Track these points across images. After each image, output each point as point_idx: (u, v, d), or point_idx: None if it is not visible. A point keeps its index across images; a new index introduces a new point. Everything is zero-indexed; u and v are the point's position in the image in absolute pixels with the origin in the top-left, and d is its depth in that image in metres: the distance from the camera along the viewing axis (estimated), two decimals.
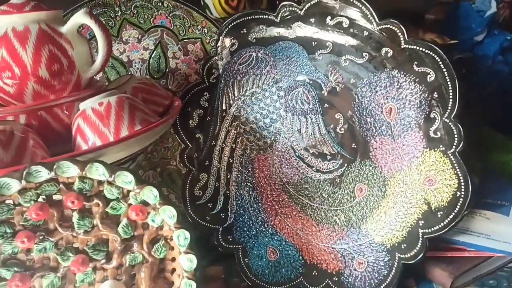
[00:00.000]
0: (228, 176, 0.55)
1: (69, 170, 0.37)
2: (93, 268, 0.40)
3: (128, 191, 0.39)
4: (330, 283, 0.47)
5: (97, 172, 0.37)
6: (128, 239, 0.40)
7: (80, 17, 0.45)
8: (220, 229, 0.54)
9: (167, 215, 0.39)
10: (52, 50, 0.44)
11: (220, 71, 0.55)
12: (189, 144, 0.55)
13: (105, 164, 0.37)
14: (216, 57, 0.54)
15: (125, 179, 0.37)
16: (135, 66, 0.63)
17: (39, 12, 0.45)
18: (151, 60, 0.62)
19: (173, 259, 0.41)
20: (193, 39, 0.61)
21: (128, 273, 0.41)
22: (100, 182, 0.39)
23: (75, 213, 0.39)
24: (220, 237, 0.53)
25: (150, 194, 0.38)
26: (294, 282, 0.49)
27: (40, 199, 0.39)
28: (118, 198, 0.39)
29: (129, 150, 0.43)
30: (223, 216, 0.54)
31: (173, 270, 0.41)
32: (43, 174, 0.37)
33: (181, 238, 0.39)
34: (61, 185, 0.38)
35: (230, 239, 0.53)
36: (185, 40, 0.61)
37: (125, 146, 0.42)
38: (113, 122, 0.42)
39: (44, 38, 0.44)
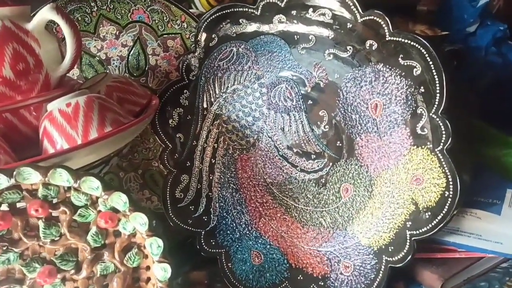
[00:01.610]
0: (211, 177, 0.53)
1: (31, 177, 0.35)
2: (62, 279, 0.38)
3: (97, 198, 0.37)
4: (316, 287, 0.45)
5: (61, 178, 0.35)
6: (98, 248, 0.38)
7: (46, 13, 0.42)
8: (203, 232, 0.51)
9: (138, 222, 0.36)
10: (17, 48, 0.41)
11: (200, 67, 0.52)
12: (169, 145, 0.53)
13: (69, 170, 0.35)
14: (196, 53, 0.52)
15: (92, 185, 0.35)
16: (114, 63, 0.60)
17: (2, 8, 0.42)
18: (130, 57, 0.60)
19: (148, 268, 0.39)
20: (173, 35, 0.58)
21: (100, 284, 0.39)
22: (67, 189, 0.37)
23: (40, 222, 0.37)
24: (202, 241, 0.51)
25: (119, 200, 0.36)
26: (279, 287, 0.47)
27: (3, 207, 0.37)
28: (87, 205, 0.37)
29: (99, 153, 0.41)
30: (205, 219, 0.52)
31: (148, 279, 0.39)
32: (2, 181, 0.35)
33: (154, 246, 0.37)
34: (24, 192, 0.36)
35: (213, 243, 0.51)
36: (164, 36, 0.59)
37: (94, 149, 0.39)
38: (81, 124, 0.39)
39: (7, 35, 0.41)
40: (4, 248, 0.37)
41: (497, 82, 0.61)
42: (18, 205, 0.37)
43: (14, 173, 0.35)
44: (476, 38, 0.63)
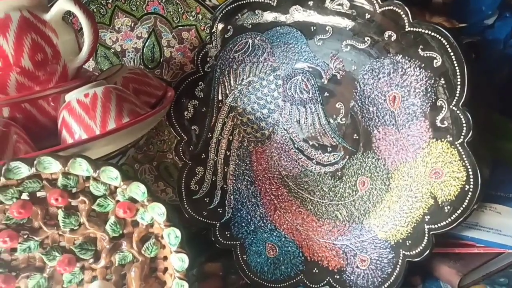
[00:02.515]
0: (225, 170, 0.53)
1: (51, 166, 0.35)
2: (81, 268, 0.38)
3: (115, 187, 0.37)
4: (331, 281, 0.45)
5: (81, 167, 0.35)
6: (116, 238, 0.38)
7: (63, 3, 0.42)
8: (218, 224, 0.52)
9: (156, 213, 0.36)
10: (35, 39, 0.42)
11: (215, 59, 0.52)
12: (184, 137, 0.53)
13: (89, 159, 0.35)
14: (211, 45, 0.52)
15: (111, 174, 0.35)
16: (129, 55, 0.61)
17: None
18: (145, 49, 0.60)
19: (165, 258, 0.39)
20: (188, 26, 0.58)
21: (118, 273, 0.39)
22: (86, 178, 0.37)
23: (60, 211, 0.37)
24: (217, 233, 0.51)
25: (138, 190, 0.36)
26: (294, 280, 0.47)
27: (24, 196, 0.37)
28: (105, 195, 0.37)
29: (117, 144, 0.41)
30: (220, 211, 0.52)
31: (165, 269, 0.39)
32: (23, 170, 0.35)
33: (172, 236, 0.37)
34: (44, 182, 0.36)
35: (228, 235, 0.51)
36: (179, 28, 0.59)
37: (112, 139, 0.40)
38: (99, 115, 0.40)
39: (26, 26, 0.41)
40: (25, 237, 0.37)
41: None
42: (38, 194, 0.37)
43: (35, 162, 0.35)
44: (494, 31, 0.61)
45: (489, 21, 0.61)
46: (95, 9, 0.59)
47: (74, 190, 0.37)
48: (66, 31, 0.45)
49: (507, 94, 0.59)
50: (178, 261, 0.37)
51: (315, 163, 0.49)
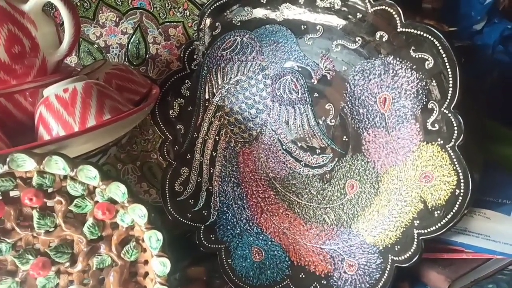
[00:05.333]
0: (211, 171, 0.51)
1: (25, 164, 0.33)
2: (56, 272, 0.36)
3: (94, 187, 0.35)
4: (318, 286, 0.44)
5: (57, 166, 0.33)
6: (95, 240, 0.37)
7: None
8: (202, 227, 0.50)
9: (137, 214, 0.35)
10: (12, 30, 0.40)
11: (203, 57, 0.51)
12: (169, 136, 0.52)
13: (66, 157, 0.33)
14: (198, 42, 0.50)
15: (89, 173, 0.34)
16: (113, 51, 0.59)
17: None
18: (130, 45, 0.58)
19: (146, 262, 0.37)
20: (175, 23, 0.57)
21: (96, 277, 0.37)
22: (63, 177, 0.35)
23: (34, 212, 0.35)
24: (202, 236, 0.50)
25: (117, 190, 0.34)
26: (280, 285, 0.46)
27: None
28: (83, 195, 0.35)
29: (97, 142, 0.39)
30: (205, 214, 0.50)
31: (146, 273, 0.38)
32: None
33: (153, 239, 0.35)
34: (18, 180, 0.34)
35: (213, 238, 0.50)
36: (166, 24, 0.57)
37: (92, 137, 0.38)
38: (78, 111, 0.38)
39: (2, 16, 0.39)
40: None
41: (504, 80, 0.60)
42: (11, 193, 0.35)
43: (8, 159, 0.33)
44: (483, 36, 0.61)
45: (478, 27, 0.62)
46: (78, 3, 0.57)
47: (50, 190, 0.35)
48: (46, 23, 0.43)
49: (496, 99, 0.59)
50: (160, 266, 0.35)
51: (303, 165, 0.48)
